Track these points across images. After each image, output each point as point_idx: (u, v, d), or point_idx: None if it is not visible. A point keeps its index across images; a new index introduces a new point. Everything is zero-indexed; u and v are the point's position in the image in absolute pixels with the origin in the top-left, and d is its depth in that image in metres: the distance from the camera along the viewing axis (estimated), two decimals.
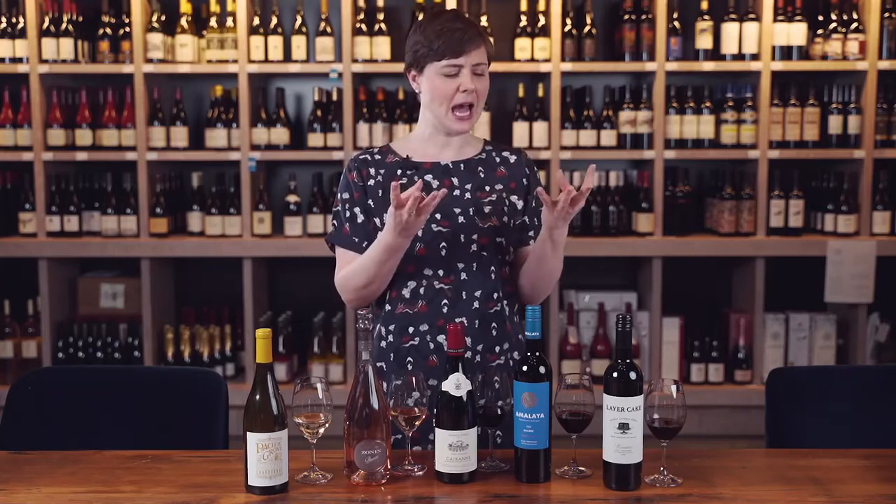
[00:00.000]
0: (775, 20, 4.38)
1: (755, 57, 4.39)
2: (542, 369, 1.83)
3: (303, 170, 4.67)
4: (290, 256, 4.53)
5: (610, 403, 1.80)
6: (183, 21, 4.46)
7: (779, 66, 4.38)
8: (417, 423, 1.92)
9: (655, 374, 4.50)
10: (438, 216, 2.14)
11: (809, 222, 4.56)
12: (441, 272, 2.16)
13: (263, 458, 1.78)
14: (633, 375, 1.80)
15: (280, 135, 4.52)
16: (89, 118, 4.50)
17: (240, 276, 4.51)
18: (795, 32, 4.39)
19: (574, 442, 1.90)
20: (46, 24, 4.41)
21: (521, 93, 4.53)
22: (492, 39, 2.24)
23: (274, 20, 4.46)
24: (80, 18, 4.51)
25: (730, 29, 4.40)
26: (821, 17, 4.45)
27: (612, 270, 4.76)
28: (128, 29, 4.44)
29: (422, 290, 2.16)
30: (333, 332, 4.61)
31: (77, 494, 1.81)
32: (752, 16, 4.39)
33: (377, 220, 2.17)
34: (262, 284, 4.71)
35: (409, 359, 2.16)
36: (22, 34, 4.42)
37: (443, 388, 1.84)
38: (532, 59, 4.43)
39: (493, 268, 2.19)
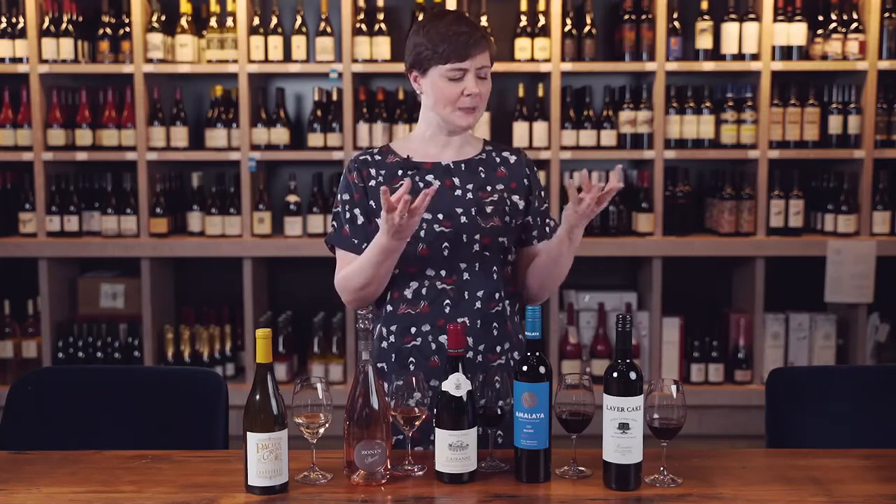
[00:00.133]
0: (775, 20, 4.38)
1: (755, 57, 4.39)
2: (542, 369, 1.83)
3: (303, 170, 4.67)
4: (290, 256, 4.53)
5: (610, 403, 1.80)
6: (183, 21, 4.46)
7: (779, 66, 4.38)
8: (417, 423, 1.91)
9: (655, 374, 4.50)
10: (441, 216, 2.14)
11: (809, 222, 4.56)
12: (443, 272, 2.16)
13: (263, 458, 1.78)
14: (633, 375, 1.80)
15: (280, 135, 4.52)
16: (89, 118, 4.51)
17: (240, 276, 4.51)
18: (795, 32, 4.39)
19: (574, 442, 1.90)
20: (46, 24, 4.41)
21: (521, 93, 4.53)
22: (492, 40, 2.23)
23: (274, 20, 4.46)
24: (80, 18, 4.51)
25: (730, 29, 4.40)
26: (821, 17, 4.45)
27: (612, 270, 4.75)
28: (128, 29, 4.44)
29: (424, 291, 2.16)
30: (333, 332, 4.61)
31: (77, 494, 1.81)
32: (752, 16, 4.39)
33: (379, 221, 2.16)
34: (262, 284, 4.71)
35: (411, 359, 2.16)
36: (22, 34, 4.42)
37: (443, 388, 1.84)
38: (532, 59, 4.43)
39: (495, 268, 2.19)
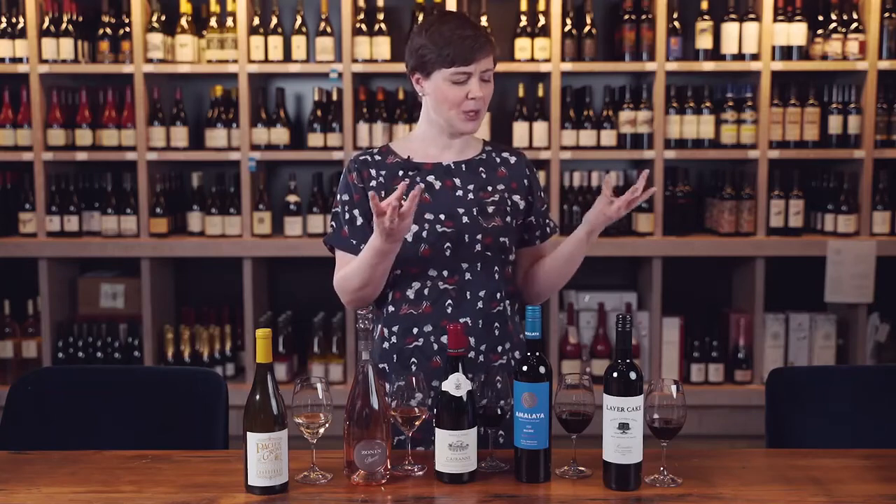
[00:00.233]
0: (775, 20, 4.38)
1: (755, 57, 4.39)
2: (542, 369, 1.83)
3: (303, 170, 4.67)
4: (290, 256, 4.53)
5: (610, 403, 1.80)
6: (183, 21, 4.46)
7: (779, 66, 4.38)
8: (417, 423, 1.91)
9: (655, 374, 4.50)
10: (443, 217, 2.14)
11: (809, 222, 4.56)
12: (445, 273, 2.16)
13: (263, 458, 1.78)
14: (633, 375, 1.80)
15: (280, 135, 4.52)
16: (89, 118, 4.51)
17: (240, 276, 4.51)
18: (795, 32, 4.39)
19: (574, 442, 1.90)
20: (46, 24, 4.41)
21: (521, 93, 4.53)
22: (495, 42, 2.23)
23: (274, 20, 4.46)
24: (80, 18, 4.51)
25: (730, 29, 4.40)
26: (821, 17, 4.45)
27: (611, 270, 4.76)
28: (128, 29, 4.44)
29: (426, 291, 2.16)
30: (333, 332, 4.61)
31: (77, 494, 1.81)
32: (752, 16, 4.39)
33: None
34: (262, 284, 4.71)
35: (413, 360, 2.16)
36: (22, 34, 4.42)
37: (443, 388, 1.84)
38: (532, 59, 4.43)
39: (496, 268, 2.19)
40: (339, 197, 2.22)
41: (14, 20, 4.45)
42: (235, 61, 4.42)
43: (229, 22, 4.48)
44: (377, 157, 2.22)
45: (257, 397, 1.80)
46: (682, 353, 4.57)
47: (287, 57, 4.48)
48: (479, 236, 2.16)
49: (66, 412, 2.26)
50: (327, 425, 1.87)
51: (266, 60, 4.44)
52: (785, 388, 2.29)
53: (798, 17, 4.39)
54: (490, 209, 2.18)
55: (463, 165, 2.22)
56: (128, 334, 4.60)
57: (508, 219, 2.20)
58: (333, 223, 2.22)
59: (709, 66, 4.41)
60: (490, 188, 2.21)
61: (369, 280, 2.12)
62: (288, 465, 1.81)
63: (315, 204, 4.52)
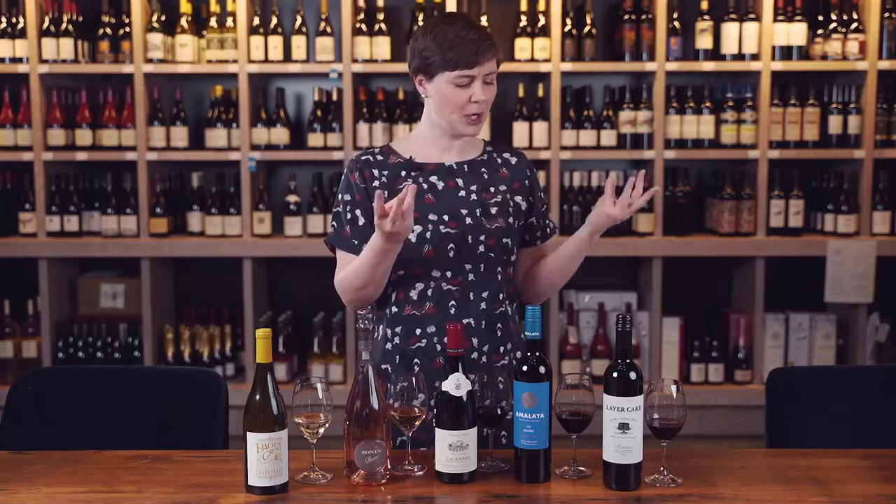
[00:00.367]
0: (775, 20, 4.38)
1: (755, 57, 4.39)
2: (542, 369, 1.83)
3: (303, 170, 4.67)
4: (290, 256, 4.53)
5: (610, 403, 1.80)
6: (183, 21, 4.46)
7: (779, 66, 4.38)
8: (417, 423, 1.91)
9: (655, 374, 4.50)
10: (447, 217, 2.14)
11: (809, 222, 4.56)
12: (449, 273, 2.16)
13: (263, 458, 1.78)
14: (633, 375, 1.80)
15: (280, 135, 4.52)
16: (89, 118, 4.51)
17: (240, 276, 4.51)
18: (795, 32, 4.39)
19: (574, 442, 1.90)
20: (46, 24, 4.41)
21: (521, 93, 4.53)
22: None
23: (274, 20, 4.46)
24: (80, 18, 4.51)
25: (730, 29, 4.40)
26: (821, 17, 4.45)
27: (611, 270, 4.76)
28: (128, 29, 4.44)
29: (429, 292, 2.16)
30: (333, 332, 4.61)
31: (77, 494, 1.81)
32: (752, 16, 4.39)
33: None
34: (262, 284, 4.71)
35: (416, 360, 2.15)
36: (22, 34, 4.42)
37: (443, 388, 1.84)
38: (532, 59, 4.43)
39: (499, 269, 2.19)
40: (340, 197, 2.22)
41: (14, 20, 4.45)
42: (235, 61, 4.42)
43: (229, 22, 4.48)
44: (379, 157, 2.22)
45: (257, 397, 1.80)
46: (682, 353, 4.57)
47: (287, 57, 4.48)
48: (482, 237, 2.16)
49: (66, 412, 2.26)
50: (327, 425, 1.87)
51: (266, 60, 4.44)
52: (785, 388, 2.29)
53: (798, 17, 4.39)
54: (493, 210, 2.18)
55: (465, 166, 2.22)
56: (128, 334, 4.60)
57: (511, 220, 2.20)
58: (335, 223, 2.22)
59: (709, 66, 4.41)
60: (493, 189, 2.21)
61: (370, 280, 2.11)
62: (288, 465, 1.81)
63: (315, 204, 4.52)
